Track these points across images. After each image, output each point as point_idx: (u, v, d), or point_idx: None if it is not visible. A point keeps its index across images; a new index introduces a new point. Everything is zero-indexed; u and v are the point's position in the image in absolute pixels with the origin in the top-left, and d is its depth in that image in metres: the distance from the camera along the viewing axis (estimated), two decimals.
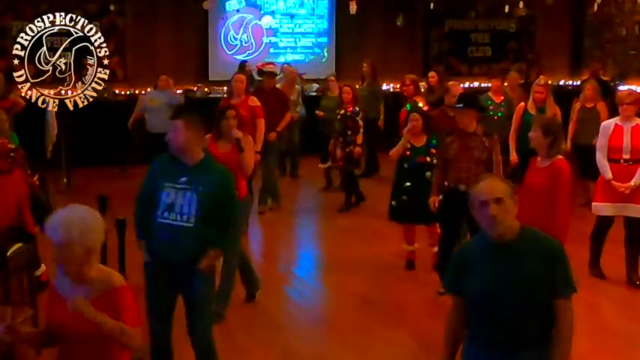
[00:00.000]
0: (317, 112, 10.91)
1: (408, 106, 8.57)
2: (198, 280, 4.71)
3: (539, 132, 5.60)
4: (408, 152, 7.36)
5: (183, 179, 4.65)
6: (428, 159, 7.29)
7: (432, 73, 11.80)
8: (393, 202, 7.56)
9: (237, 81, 8.78)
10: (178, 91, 12.71)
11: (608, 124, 7.18)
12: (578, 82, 13.10)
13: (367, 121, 10.28)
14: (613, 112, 9.63)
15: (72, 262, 3.35)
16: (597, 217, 7.25)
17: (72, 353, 3.44)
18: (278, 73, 10.63)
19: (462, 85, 9.63)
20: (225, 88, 12.62)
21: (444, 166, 6.66)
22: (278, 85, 10.50)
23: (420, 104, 8.81)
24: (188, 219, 4.62)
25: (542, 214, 5.32)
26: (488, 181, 3.44)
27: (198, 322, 4.82)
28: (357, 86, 11.25)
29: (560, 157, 5.62)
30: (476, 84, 14.58)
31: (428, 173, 7.27)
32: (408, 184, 7.36)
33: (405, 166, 7.38)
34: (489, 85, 10.44)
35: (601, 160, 7.09)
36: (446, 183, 6.64)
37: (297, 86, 11.64)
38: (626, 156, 6.97)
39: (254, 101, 8.72)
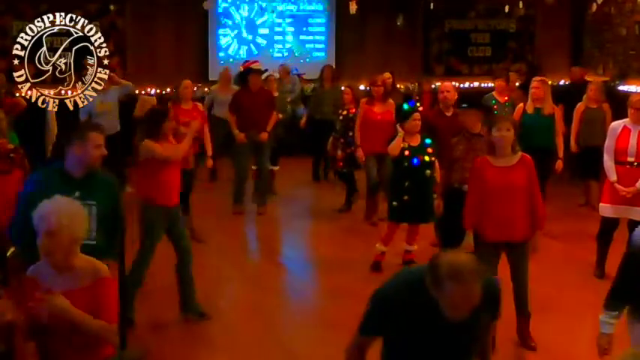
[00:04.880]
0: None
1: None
2: None
3: (513, 129, 5.59)
4: (407, 152, 7.36)
5: (77, 194, 4.32)
6: (426, 158, 7.31)
7: (387, 74, 10.68)
8: (394, 203, 7.53)
9: (184, 87, 8.73)
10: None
11: (617, 125, 7.11)
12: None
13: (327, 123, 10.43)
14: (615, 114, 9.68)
15: (59, 251, 3.39)
16: (602, 218, 7.24)
17: (57, 344, 3.41)
18: (264, 71, 10.57)
19: (460, 85, 9.59)
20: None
21: (449, 167, 6.67)
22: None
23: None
24: (89, 236, 4.10)
25: (527, 209, 5.47)
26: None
27: None
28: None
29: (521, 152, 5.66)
30: (476, 84, 14.56)
31: (427, 171, 7.29)
32: (408, 183, 7.36)
33: (405, 164, 7.36)
34: (490, 85, 10.38)
35: (607, 161, 7.06)
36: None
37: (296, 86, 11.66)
38: (631, 159, 6.93)
39: (198, 107, 8.73)
